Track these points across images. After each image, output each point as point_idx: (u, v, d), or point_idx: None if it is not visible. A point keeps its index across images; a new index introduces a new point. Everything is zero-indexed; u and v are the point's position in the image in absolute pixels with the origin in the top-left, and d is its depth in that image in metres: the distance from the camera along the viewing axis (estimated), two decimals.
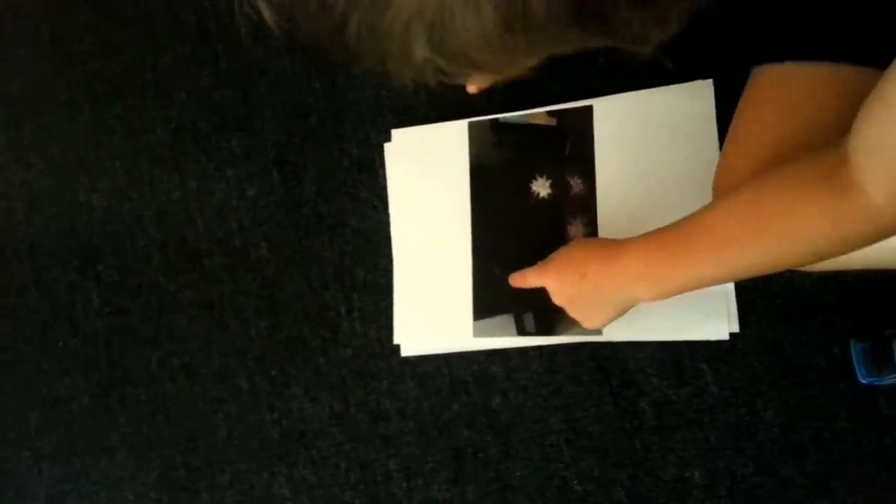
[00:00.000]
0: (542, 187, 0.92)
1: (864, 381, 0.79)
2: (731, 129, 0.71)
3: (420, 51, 0.34)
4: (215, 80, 1.07)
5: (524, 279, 0.80)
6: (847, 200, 0.51)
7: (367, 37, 0.34)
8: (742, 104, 0.71)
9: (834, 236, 0.54)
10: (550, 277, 0.77)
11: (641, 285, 0.68)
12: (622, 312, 0.75)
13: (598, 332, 0.87)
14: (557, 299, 0.77)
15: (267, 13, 0.37)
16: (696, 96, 0.86)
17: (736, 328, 0.84)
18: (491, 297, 0.92)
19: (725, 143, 0.72)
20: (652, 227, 0.87)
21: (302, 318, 1.01)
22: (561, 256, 0.76)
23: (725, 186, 0.70)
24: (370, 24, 0.34)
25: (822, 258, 0.58)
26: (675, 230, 0.65)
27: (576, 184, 0.90)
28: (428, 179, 0.96)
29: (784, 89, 0.67)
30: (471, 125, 0.95)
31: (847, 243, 0.55)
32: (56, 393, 1.10)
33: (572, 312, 0.77)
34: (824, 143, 0.58)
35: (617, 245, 0.70)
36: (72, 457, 1.08)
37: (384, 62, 0.36)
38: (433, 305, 0.95)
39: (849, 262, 0.72)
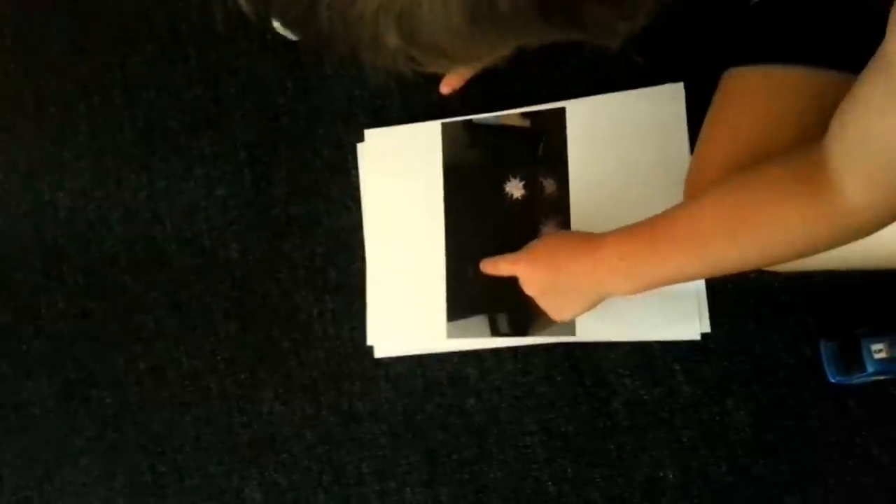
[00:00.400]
0: (515, 188, 0.92)
1: (833, 381, 0.80)
2: (702, 130, 0.72)
3: (391, 40, 0.34)
4: (186, 79, 1.05)
5: (496, 266, 0.80)
6: (824, 201, 0.52)
7: (338, 24, 0.34)
8: (714, 106, 0.72)
9: (811, 235, 0.55)
10: (523, 267, 0.76)
11: (617, 279, 0.68)
12: (593, 305, 0.75)
13: (572, 332, 0.88)
14: (529, 289, 0.77)
15: None
16: (668, 99, 0.87)
17: (707, 328, 0.85)
18: (465, 298, 0.92)
19: (698, 145, 0.72)
20: None
21: (272, 320, 1.00)
22: (536, 247, 0.76)
23: (697, 187, 0.70)
24: (340, 11, 0.33)
25: (798, 256, 0.59)
26: (652, 225, 0.65)
27: (549, 185, 0.91)
28: (401, 180, 0.96)
29: (755, 91, 0.68)
30: (444, 126, 0.94)
31: (824, 242, 0.55)
32: (18, 397, 1.07)
33: (543, 304, 0.77)
34: (795, 145, 0.58)
35: (593, 238, 0.70)
36: (34, 462, 1.06)
37: (356, 50, 0.36)
38: (406, 306, 0.94)
39: (819, 263, 0.73)
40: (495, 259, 0.80)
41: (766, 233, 0.57)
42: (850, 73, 0.57)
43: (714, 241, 0.60)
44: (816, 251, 0.57)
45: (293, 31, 0.37)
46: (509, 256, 0.78)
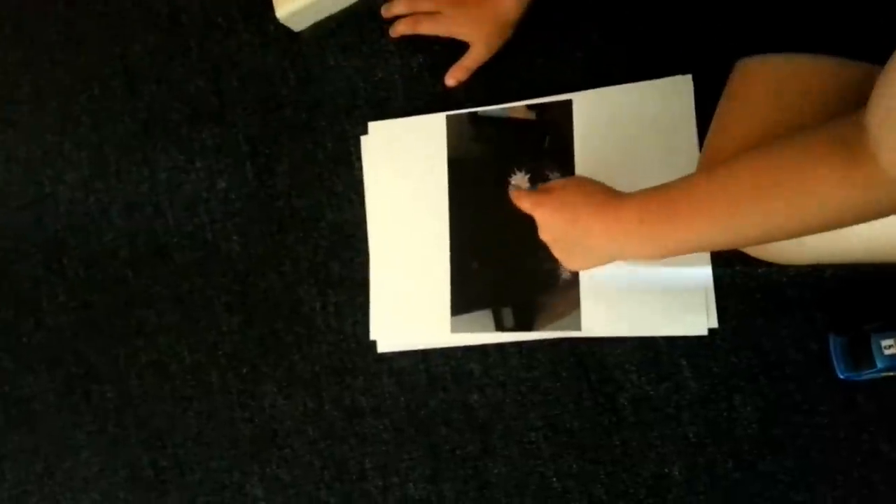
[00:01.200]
0: (520, 182, 0.91)
1: (842, 376, 0.79)
2: (714, 120, 0.71)
3: None
4: (187, 71, 1.05)
5: (519, 198, 0.76)
6: (859, 168, 0.50)
7: None
8: (725, 97, 0.70)
9: (842, 203, 0.53)
10: (543, 212, 0.74)
11: (633, 241, 0.66)
12: (606, 262, 0.73)
13: (577, 327, 0.87)
14: (544, 235, 0.75)
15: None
16: (676, 91, 0.86)
17: (715, 323, 0.84)
18: (469, 293, 0.91)
19: (709, 137, 0.71)
20: None
21: (275, 314, 0.99)
22: (558, 193, 0.73)
23: None
24: None
25: (824, 228, 0.56)
26: (676, 188, 0.63)
27: (555, 178, 0.90)
28: (405, 173, 0.95)
29: (767, 81, 0.67)
30: (449, 118, 0.93)
31: (853, 213, 0.53)
32: (20, 391, 1.07)
33: (555, 251, 0.76)
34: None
35: (616, 196, 0.68)
36: (35, 457, 1.06)
37: None
38: (410, 301, 0.93)
39: (828, 256, 0.72)
40: (521, 192, 0.76)
41: (797, 198, 0.54)
42: (864, 61, 0.56)
43: (741, 205, 0.58)
44: (843, 223, 0.55)
45: None
46: (532, 196, 0.75)
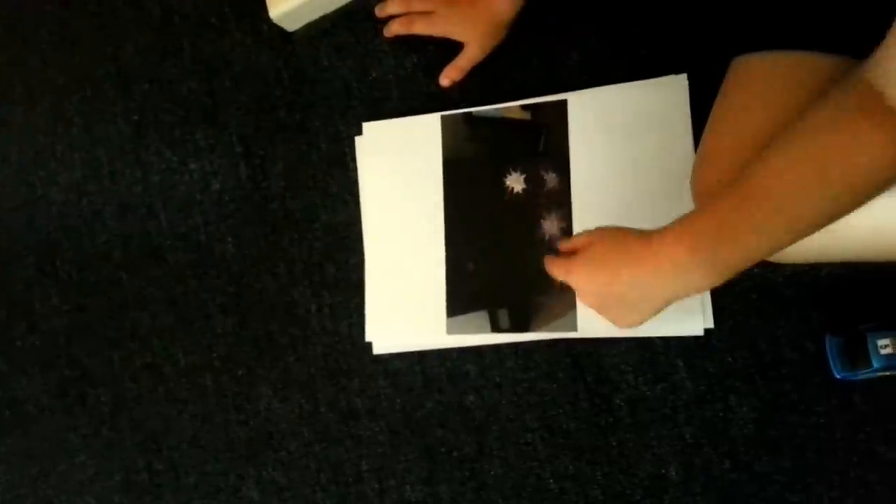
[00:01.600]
0: (516, 182, 0.91)
1: (838, 376, 0.79)
2: (710, 119, 0.71)
3: None
4: (180, 72, 1.04)
5: (552, 268, 0.72)
6: (888, 130, 0.51)
7: None
8: (722, 95, 0.70)
9: (886, 165, 0.53)
10: (577, 277, 0.69)
11: (692, 274, 0.61)
12: (664, 307, 0.67)
13: (573, 328, 0.87)
14: (586, 300, 0.70)
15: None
16: (671, 90, 0.86)
17: (711, 324, 0.84)
18: (465, 294, 0.91)
19: (705, 135, 0.71)
20: (627, 223, 0.86)
21: (270, 316, 0.98)
22: (588, 253, 0.68)
23: (707, 178, 0.69)
24: None
25: (876, 192, 0.56)
26: (718, 206, 0.60)
27: (550, 178, 0.89)
28: (400, 174, 0.95)
29: (764, 78, 0.67)
30: (444, 118, 0.93)
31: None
32: (13, 393, 1.06)
33: (604, 314, 0.71)
34: None
35: (648, 236, 0.63)
36: (29, 460, 1.05)
37: None
38: (406, 302, 0.93)
39: (824, 255, 0.72)
40: (550, 260, 0.72)
41: (848, 169, 0.53)
42: (860, 58, 0.56)
43: (797, 195, 0.56)
44: (888, 185, 0.55)
45: None
46: (561, 263, 0.71)
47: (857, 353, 0.76)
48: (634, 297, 0.66)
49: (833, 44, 0.65)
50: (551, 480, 0.88)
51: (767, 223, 0.58)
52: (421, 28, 0.93)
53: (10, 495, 1.05)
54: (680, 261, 0.61)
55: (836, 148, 0.54)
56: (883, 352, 0.75)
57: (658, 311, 0.67)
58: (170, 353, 1.01)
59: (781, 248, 0.60)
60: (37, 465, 1.05)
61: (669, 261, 0.61)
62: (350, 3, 0.98)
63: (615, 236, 0.67)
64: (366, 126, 0.96)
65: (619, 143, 0.87)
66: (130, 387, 1.02)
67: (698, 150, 0.72)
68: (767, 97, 0.65)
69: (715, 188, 0.64)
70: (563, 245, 0.72)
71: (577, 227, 0.88)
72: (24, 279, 1.07)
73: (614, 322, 0.70)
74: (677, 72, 0.86)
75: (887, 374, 0.76)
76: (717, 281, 0.61)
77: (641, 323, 0.69)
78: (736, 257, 0.60)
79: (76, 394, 1.04)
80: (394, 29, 0.94)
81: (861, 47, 0.56)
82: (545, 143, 0.90)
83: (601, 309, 0.70)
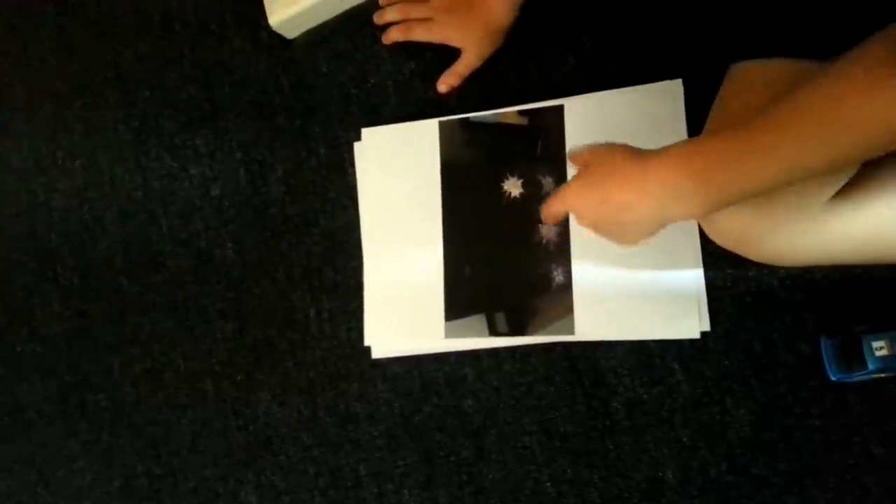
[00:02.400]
0: (513, 187, 0.91)
1: (833, 379, 0.79)
2: (708, 124, 0.71)
3: None
4: (180, 78, 1.05)
5: (549, 210, 0.73)
6: None
7: None
8: (720, 99, 0.71)
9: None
10: (572, 201, 0.70)
11: (684, 199, 0.61)
12: (657, 230, 0.66)
13: (571, 331, 0.87)
14: (582, 223, 0.71)
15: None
16: (667, 95, 0.87)
17: (707, 327, 0.84)
18: (462, 298, 0.91)
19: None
20: None
21: (269, 321, 0.99)
22: (583, 176, 0.69)
23: None
24: None
25: (886, 148, 0.55)
26: (725, 133, 0.59)
27: (547, 183, 0.90)
28: (398, 179, 0.95)
29: (765, 84, 0.67)
30: (441, 124, 0.94)
31: None
32: (13, 400, 1.07)
33: (601, 234, 0.71)
34: None
35: (645, 161, 0.62)
36: (29, 466, 1.05)
37: None
38: (404, 306, 0.93)
39: (821, 257, 0.72)
40: (548, 203, 0.72)
41: (870, 116, 0.53)
42: None
43: (809, 135, 0.55)
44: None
45: None
46: (557, 193, 0.71)
47: (852, 355, 0.77)
48: (628, 219, 0.66)
49: (830, 51, 0.66)
50: (549, 484, 0.88)
51: (773, 154, 0.57)
52: (419, 34, 0.94)
53: (11, 501, 1.06)
54: (673, 182, 0.61)
55: (859, 92, 0.53)
56: (878, 353, 0.75)
57: (653, 232, 0.67)
58: (170, 358, 1.02)
59: (776, 187, 0.60)
60: (36, 471, 1.05)
61: (660, 182, 0.61)
62: (349, 10, 0.99)
63: (611, 156, 0.66)
64: (364, 132, 0.97)
65: None
66: (130, 392, 1.03)
67: None
68: (761, 106, 0.66)
69: None
70: (572, 155, 0.71)
71: (574, 232, 0.88)
72: (24, 285, 1.08)
73: (614, 241, 0.71)
74: (673, 77, 0.86)
75: (882, 375, 0.76)
76: (709, 207, 0.61)
77: (637, 242, 0.69)
78: (732, 184, 0.59)
79: (76, 400, 1.04)
80: (392, 35, 0.95)
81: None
82: (542, 147, 0.91)
83: (597, 230, 0.71)
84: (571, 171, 0.89)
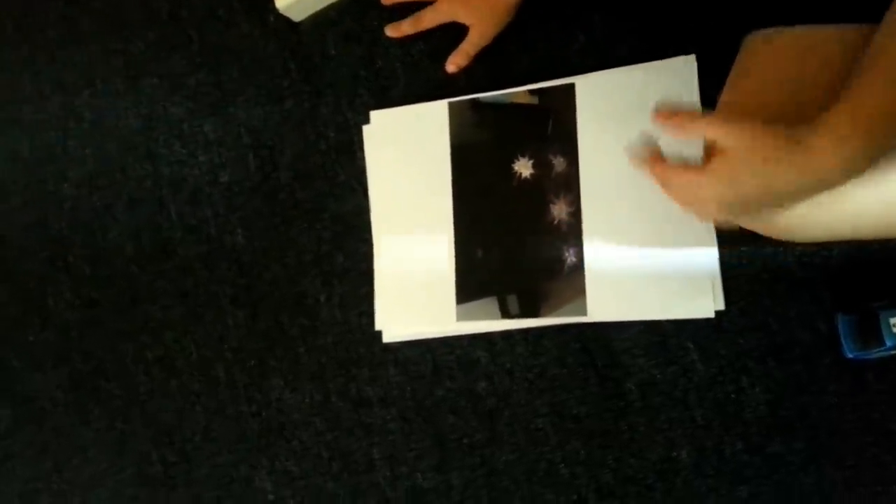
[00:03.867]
0: (524, 167, 0.90)
1: (850, 356, 0.78)
2: (724, 96, 0.69)
3: None
4: (188, 65, 1.05)
5: (679, 192, 0.66)
6: None
7: None
8: (736, 72, 0.69)
9: None
10: (712, 194, 0.63)
11: (854, 166, 0.57)
12: (800, 201, 0.62)
13: (583, 312, 0.86)
14: (709, 210, 0.66)
15: None
16: (679, 72, 0.85)
17: (722, 305, 0.83)
18: (474, 280, 0.91)
19: (717, 110, 0.70)
20: (637, 206, 0.86)
21: (280, 307, 0.99)
22: (722, 165, 0.61)
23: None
24: None
25: None
26: (872, 81, 0.56)
27: (558, 163, 0.89)
28: (408, 161, 0.95)
29: (786, 53, 0.65)
30: (451, 105, 0.93)
31: None
32: (27, 389, 1.07)
33: (730, 218, 0.67)
34: (824, 103, 0.57)
35: (802, 142, 0.57)
36: (44, 454, 1.06)
37: None
38: (415, 290, 0.93)
39: (838, 232, 0.71)
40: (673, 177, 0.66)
41: None
42: (875, 24, 0.55)
43: None
44: None
45: None
46: (687, 185, 0.64)
47: (870, 332, 0.76)
48: (786, 200, 0.62)
49: (844, 17, 0.64)
50: (562, 465, 0.87)
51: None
52: (428, 21, 0.93)
53: (26, 489, 1.06)
54: (842, 155, 0.56)
55: None
56: None
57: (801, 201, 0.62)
58: (182, 345, 1.02)
59: None
60: (51, 459, 1.05)
61: (829, 160, 0.57)
62: None
63: (761, 140, 0.59)
64: (373, 114, 0.96)
65: (628, 125, 0.86)
66: (143, 380, 1.03)
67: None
68: (785, 73, 0.64)
69: None
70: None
71: (586, 212, 0.87)
72: (36, 275, 1.08)
73: (745, 219, 0.66)
74: (685, 53, 0.85)
75: None
76: (875, 160, 0.57)
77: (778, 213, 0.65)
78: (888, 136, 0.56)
79: (89, 388, 1.05)
80: (404, 28, 0.94)
81: (877, 12, 0.55)
82: (553, 127, 0.90)
83: (734, 212, 0.66)
84: (583, 150, 0.88)
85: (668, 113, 0.65)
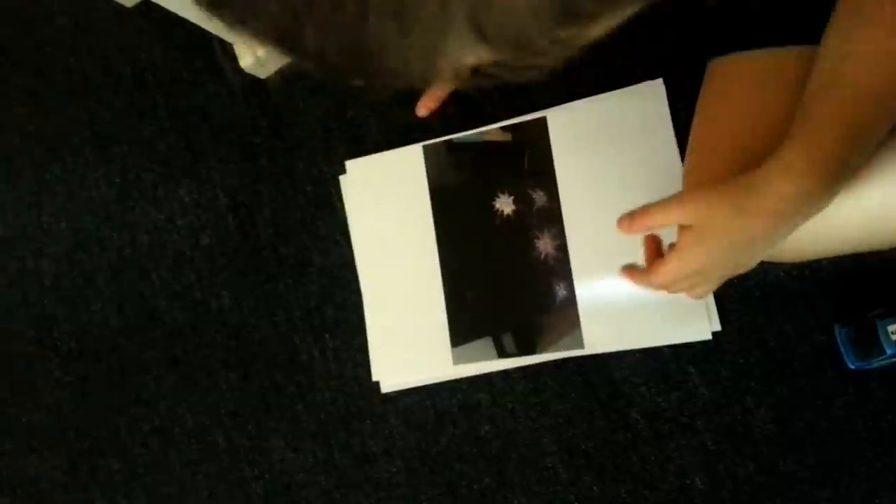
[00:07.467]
0: (505, 204, 0.90)
1: (852, 366, 0.77)
2: (697, 120, 0.69)
3: (459, 39, 0.27)
4: (157, 129, 1.03)
5: (653, 280, 0.67)
6: None
7: (391, 31, 0.26)
8: (705, 96, 0.69)
9: None
10: (691, 268, 0.63)
11: (814, 200, 0.56)
12: (790, 233, 0.61)
13: (580, 345, 0.85)
14: (712, 280, 0.66)
15: (259, 52, 0.32)
16: (649, 96, 0.85)
17: (718, 326, 0.82)
18: (467, 322, 0.90)
19: (694, 136, 0.70)
20: (622, 235, 0.85)
21: (274, 365, 0.97)
22: (690, 239, 0.62)
23: (698, 181, 0.68)
24: (395, 10, 0.26)
25: None
26: (819, 122, 0.55)
27: (539, 197, 0.88)
28: (388, 208, 0.94)
29: (749, 76, 0.66)
30: (426, 148, 0.92)
31: None
32: (24, 472, 1.05)
33: (720, 277, 0.66)
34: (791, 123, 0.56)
35: (754, 192, 0.57)
36: None
37: (410, 63, 0.28)
38: (409, 337, 0.92)
39: (825, 250, 0.71)
40: (640, 275, 0.68)
41: None
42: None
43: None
44: None
45: (329, 57, 0.29)
46: (661, 268, 0.64)
47: (869, 342, 0.75)
48: (758, 248, 0.62)
49: (806, 40, 0.64)
50: (577, 503, 0.86)
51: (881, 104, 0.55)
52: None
53: None
54: (798, 192, 0.56)
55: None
56: (894, 337, 0.74)
57: (784, 237, 0.62)
58: (177, 414, 1.00)
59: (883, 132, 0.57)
60: None
61: (786, 199, 0.56)
62: None
63: (718, 208, 0.59)
64: (349, 164, 0.95)
65: (604, 152, 0.87)
66: (140, 452, 1.01)
67: (689, 153, 0.71)
68: (753, 95, 0.64)
69: None
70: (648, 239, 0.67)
71: (572, 244, 0.86)
72: (23, 355, 1.06)
73: (736, 272, 0.66)
74: (651, 77, 0.85)
75: None
76: (837, 190, 0.57)
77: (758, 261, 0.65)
78: (852, 154, 0.56)
79: (87, 466, 1.02)
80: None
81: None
82: (529, 162, 0.89)
83: (724, 276, 0.66)
84: (562, 183, 0.88)
85: (626, 218, 0.66)
